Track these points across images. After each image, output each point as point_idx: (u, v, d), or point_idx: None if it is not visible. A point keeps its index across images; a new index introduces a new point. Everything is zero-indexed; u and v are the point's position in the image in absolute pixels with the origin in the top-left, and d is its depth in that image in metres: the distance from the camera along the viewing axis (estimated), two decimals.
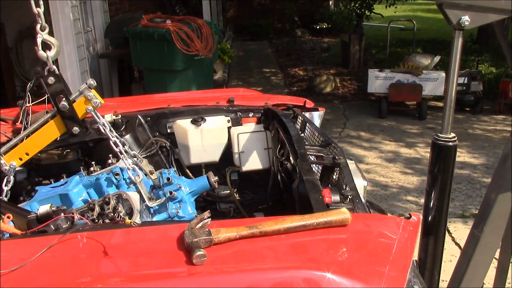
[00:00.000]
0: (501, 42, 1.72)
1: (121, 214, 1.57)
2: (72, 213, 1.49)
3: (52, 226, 1.42)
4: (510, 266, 1.94)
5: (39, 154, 2.04)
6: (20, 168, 1.96)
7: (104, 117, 1.94)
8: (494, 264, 1.84)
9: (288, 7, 14.14)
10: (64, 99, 1.85)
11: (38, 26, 1.79)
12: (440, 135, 1.64)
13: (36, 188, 1.90)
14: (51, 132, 1.91)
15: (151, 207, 1.86)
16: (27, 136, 1.90)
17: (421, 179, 4.71)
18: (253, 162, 2.56)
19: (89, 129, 2.11)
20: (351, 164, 1.89)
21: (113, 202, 1.61)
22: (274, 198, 2.53)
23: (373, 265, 1.17)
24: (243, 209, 2.48)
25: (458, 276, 1.70)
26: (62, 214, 1.45)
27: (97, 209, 1.59)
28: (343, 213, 1.30)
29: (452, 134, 1.64)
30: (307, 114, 2.53)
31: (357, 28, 9.68)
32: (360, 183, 1.84)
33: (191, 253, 1.15)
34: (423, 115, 6.68)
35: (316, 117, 2.62)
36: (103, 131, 1.90)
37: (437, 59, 7.11)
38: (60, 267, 1.20)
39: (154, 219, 1.87)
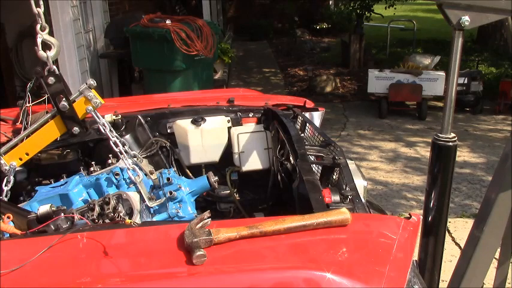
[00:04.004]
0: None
1: (121, 214, 1.57)
2: (72, 213, 1.49)
3: (52, 226, 1.42)
4: (510, 266, 1.94)
5: (39, 154, 2.04)
6: (20, 168, 1.96)
7: (104, 117, 1.94)
8: (494, 264, 1.84)
9: (288, 7, 14.14)
10: (64, 99, 1.85)
11: (38, 26, 1.79)
12: (440, 135, 1.64)
13: (36, 188, 1.90)
14: (51, 132, 1.91)
15: (151, 207, 1.86)
16: (27, 136, 1.90)
17: (421, 179, 4.71)
18: (253, 162, 2.56)
19: (89, 129, 2.11)
20: (351, 164, 1.89)
21: (113, 202, 1.61)
22: (274, 198, 2.53)
23: (373, 265, 1.17)
24: (243, 209, 2.48)
25: (458, 276, 1.71)
26: (62, 214, 1.45)
27: (97, 209, 1.59)
28: (343, 213, 1.30)
29: (452, 134, 1.64)
30: (307, 114, 2.52)
31: (357, 28, 9.68)
32: (360, 183, 1.84)
33: (191, 253, 1.15)
34: (423, 115, 6.68)
35: (316, 117, 2.62)
36: (103, 131, 1.90)
37: (437, 59, 7.12)
38: (60, 267, 1.20)
39: (154, 219, 1.87)
